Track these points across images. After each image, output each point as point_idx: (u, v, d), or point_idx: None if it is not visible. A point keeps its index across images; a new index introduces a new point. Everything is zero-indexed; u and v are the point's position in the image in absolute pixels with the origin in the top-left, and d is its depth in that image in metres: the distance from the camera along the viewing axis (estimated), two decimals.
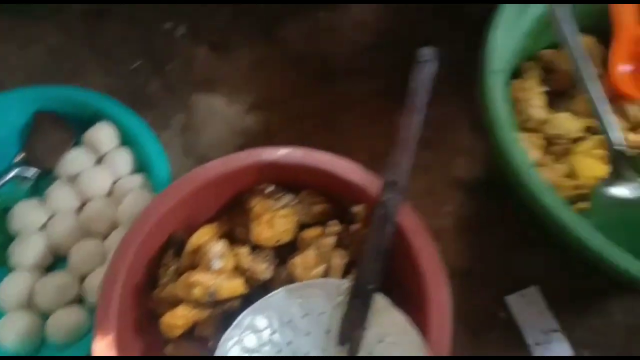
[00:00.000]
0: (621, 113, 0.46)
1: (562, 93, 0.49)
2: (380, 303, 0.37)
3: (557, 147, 0.45)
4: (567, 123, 0.45)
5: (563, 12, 0.39)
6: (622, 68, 0.46)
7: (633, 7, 0.44)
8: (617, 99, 0.46)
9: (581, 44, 0.40)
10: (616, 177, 0.39)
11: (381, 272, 0.37)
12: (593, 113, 0.38)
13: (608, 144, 0.38)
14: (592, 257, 0.34)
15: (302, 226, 0.43)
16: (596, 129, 0.43)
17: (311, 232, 0.42)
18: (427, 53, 0.39)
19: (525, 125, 0.46)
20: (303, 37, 0.61)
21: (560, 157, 0.45)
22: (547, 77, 0.50)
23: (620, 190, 0.38)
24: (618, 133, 0.38)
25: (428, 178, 0.53)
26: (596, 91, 0.39)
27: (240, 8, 0.64)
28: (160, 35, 0.63)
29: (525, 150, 0.37)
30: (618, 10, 0.44)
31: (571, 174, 0.44)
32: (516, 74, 0.50)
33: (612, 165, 0.39)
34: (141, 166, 0.52)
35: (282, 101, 0.58)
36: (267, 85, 0.59)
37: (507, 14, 0.40)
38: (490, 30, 0.39)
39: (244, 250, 0.41)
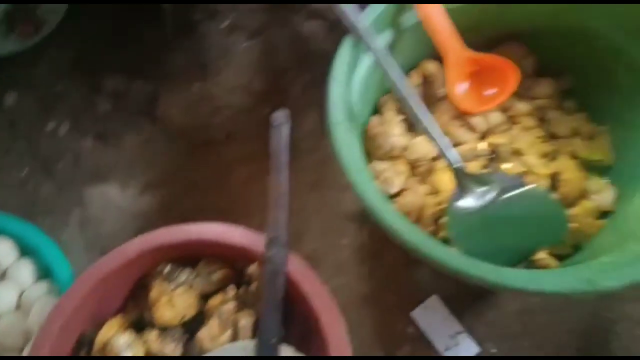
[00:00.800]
0: (468, 126, 0.51)
1: None
2: (286, 353, 0.40)
3: (420, 169, 0.50)
4: (423, 146, 0.49)
5: (388, 61, 0.44)
6: (460, 87, 0.51)
7: (451, 32, 0.49)
8: (462, 115, 0.52)
9: (409, 85, 0.44)
10: (461, 190, 0.44)
11: (281, 324, 0.40)
12: (431, 141, 0.43)
13: (448, 164, 0.43)
14: (455, 273, 0.37)
15: (209, 295, 0.46)
16: None
17: (215, 301, 0.44)
18: (280, 116, 0.43)
19: (391, 155, 0.50)
20: (182, 111, 0.64)
21: (425, 178, 0.50)
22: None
23: (467, 202, 0.43)
24: (454, 153, 0.43)
25: (322, 217, 0.57)
26: (429, 123, 0.43)
27: (118, 94, 0.66)
28: (45, 137, 0.64)
29: (370, 186, 0.41)
30: (439, 38, 0.49)
31: (434, 192, 0.48)
32: (377, 108, 0.54)
33: (456, 181, 0.44)
34: (45, 273, 0.52)
35: (172, 176, 0.60)
36: (156, 164, 0.61)
37: (339, 69, 0.43)
38: (328, 86, 0.43)
39: (152, 335, 0.43)
